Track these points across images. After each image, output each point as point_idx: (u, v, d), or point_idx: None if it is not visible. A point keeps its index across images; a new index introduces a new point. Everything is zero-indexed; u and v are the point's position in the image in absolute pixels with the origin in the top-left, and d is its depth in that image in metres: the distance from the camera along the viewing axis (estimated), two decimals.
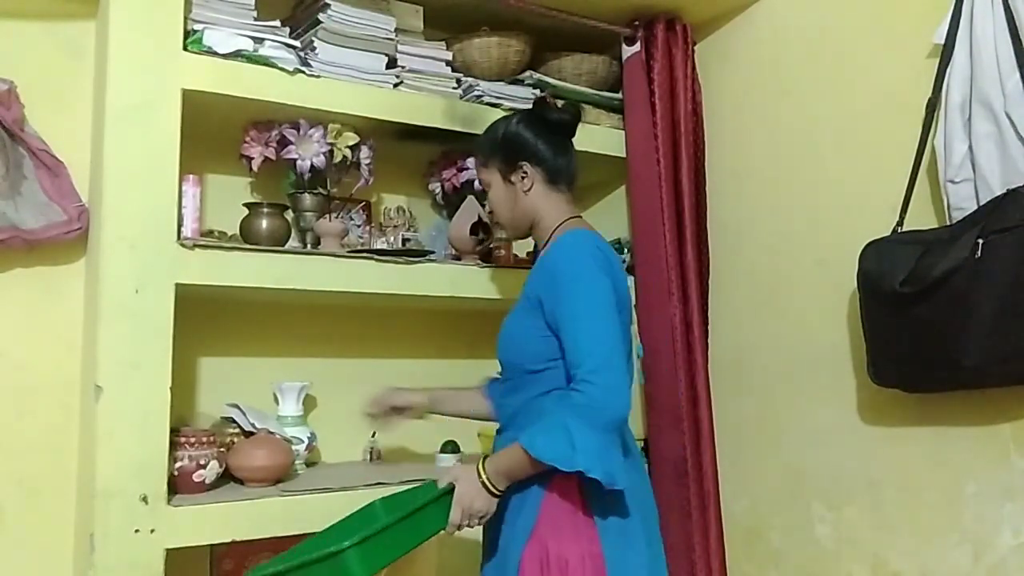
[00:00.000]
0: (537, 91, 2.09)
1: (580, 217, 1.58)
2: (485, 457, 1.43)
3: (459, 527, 1.40)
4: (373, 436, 2.09)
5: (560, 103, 1.64)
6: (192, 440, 1.62)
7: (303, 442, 1.86)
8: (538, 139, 1.56)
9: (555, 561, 1.38)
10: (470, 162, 2.06)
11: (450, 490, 1.39)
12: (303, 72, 1.75)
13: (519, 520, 1.42)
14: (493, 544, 1.50)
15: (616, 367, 1.36)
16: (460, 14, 2.08)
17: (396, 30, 1.89)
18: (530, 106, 1.65)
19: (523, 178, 1.55)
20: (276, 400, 1.94)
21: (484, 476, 1.39)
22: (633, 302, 1.53)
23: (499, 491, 1.39)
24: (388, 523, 1.33)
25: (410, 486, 1.60)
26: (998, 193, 1.42)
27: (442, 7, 2.05)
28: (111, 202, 1.54)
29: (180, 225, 1.62)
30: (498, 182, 1.58)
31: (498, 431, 1.60)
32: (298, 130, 1.81)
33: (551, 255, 1.48)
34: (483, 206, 1.97)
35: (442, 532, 1.40)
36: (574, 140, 1.62)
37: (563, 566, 1.38)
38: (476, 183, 2.02)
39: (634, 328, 1.56)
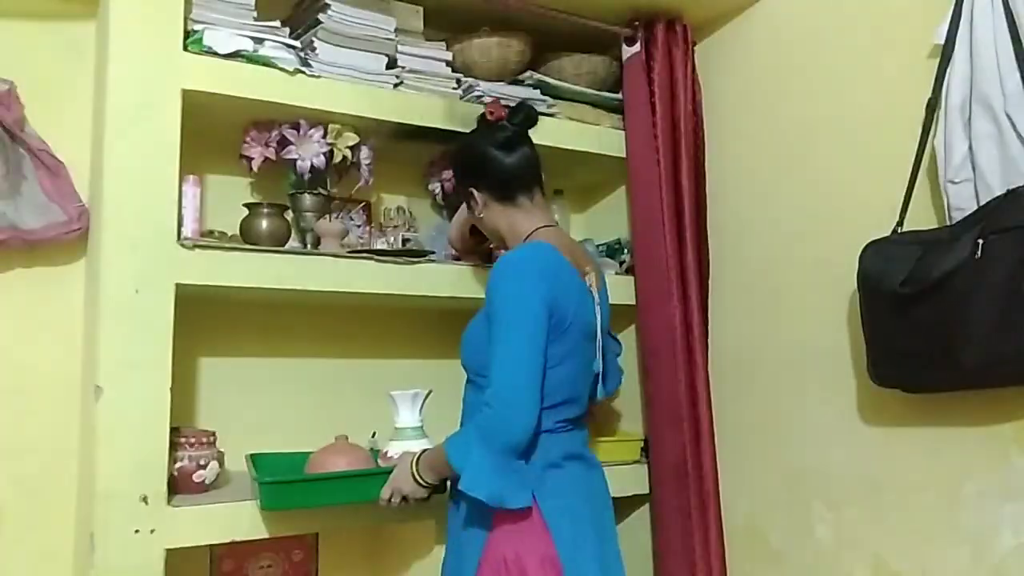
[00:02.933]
0: (538, 91, 2.10)
1: (548, 227, 1.60)
2: (425, 451, 1.54)
3: (388, 502, 1.54)
4: (373, 436, 2.09)
5: (509, 107, 1.64)
6: (192, 440, 1.62)
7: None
8: (481, 160, 1.60)
9: (513, 565, 1.40)
10: None
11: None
12: (303, 72, 1.75)
13: (473, 527, 1.46)
14: (451, 552, 1.55)
15: (518, 393, 1.39)
16: (460, 14, 2.08)
17: (396, 30, 1.89)
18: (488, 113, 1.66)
19: (474, 202, 1.62)
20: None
21: (415, 467, 1.51)
22: (585, 320, 1.54)
23: (425, 482, 1.50)
24: (320, 477, 1.60)
25: None
26: (998, 193, 1.42)
27: (442, 7, 2.05)
28: (111, 202, 1.54)
29: (180, 225, 1.62)
30: (464, 207, 1.68)
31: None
32: (298, 130, 1.81)
33: (493, 269, 1.53)
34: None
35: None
36: (543, 139, 1.68)
37: (522, 569, 1.40)
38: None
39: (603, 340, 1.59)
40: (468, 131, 1.68)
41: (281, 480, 1.57)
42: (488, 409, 1.40)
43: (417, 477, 1.50)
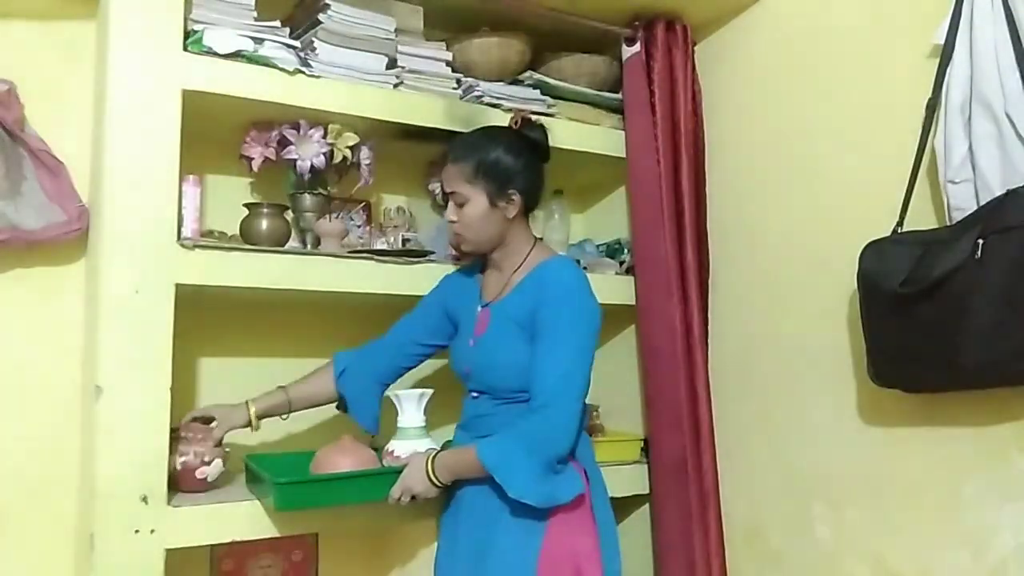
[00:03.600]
0: (538, 91, 2.09)
1: (541, 239, 1.70)
2: (440, 451, 1.56)
3: (398, 500, 1.54)
4: (373, 436, 2.09)
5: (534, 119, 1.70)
6: (200, 436, 1.62)
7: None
8: (526, 167, 1.62)
9: (567, 558, 1.47)
10: None
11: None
12: (303, 72, 1.75)
13: (528, 525, 1.48)
14: (486, 544, 1.52)
15: (572, 405, 1.46)
16: (460, 14, 2.08)
17: (396, 30, 1.89)
18: (514, 121, 1.68)
19: (509, 204, 1.61)
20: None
21: (431, 467, 1.52)
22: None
23: (440, 482, 1.52)
24: (334, 476, 1.59)
25: None
26: (998, 193, 1.42)
27: (442, 7, 2.05)
28: (111, 202, 1.54)
29: (180, 225, 1.62)
30: (482, 202, 1.60)
31: (476, 435, 1.60)
32: (298, 130, 1.81)
33: (544, 282, 1.54)
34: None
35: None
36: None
37: (575, 560, 1.48)
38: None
39: None
40: (499, 133, 1.66)
41: (296, 480, 1.55)
42: (541, 418, 1.44)
43: (432, 478, 1.51)
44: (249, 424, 1.69)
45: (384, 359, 1.81)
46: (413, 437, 1.70)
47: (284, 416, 1.76)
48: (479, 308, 1.66)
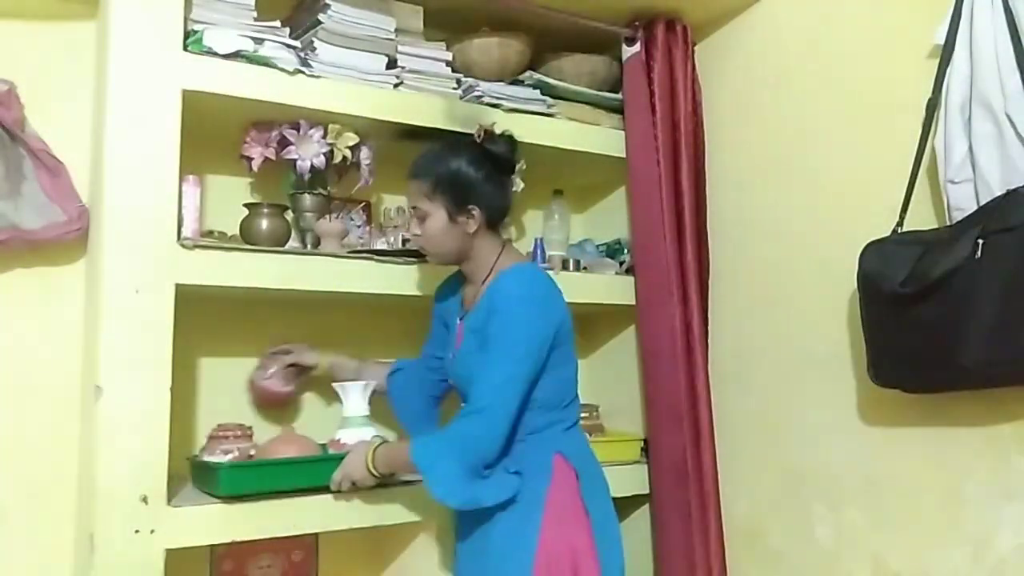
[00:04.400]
0: (537, 91, 2.09)
1: (508, 243, 1.70)
2: (383, 442, 1.62)
3: (338, 485, 1.61)
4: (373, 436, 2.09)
5: (499, 132, 1.68)
6: (238, 433, 1.71)
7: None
8: (487, 181, 1.61)
9: (565, 552, 1.48)
10: None
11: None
12: (303, 72, 1.75)
13: (523, 522, 1.50)
14: (480, 552, 1.56)
15: (502, 412, 1.47)
16: (460, 14, 2.08)
17: (396, 30, 1.89)
18: (478, 134, 1.66)
19: (469, 220, 1.60)
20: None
21: (371, 457, 1.57)
22: (569, 324, 1.63)
23: (378, 473, 1.57)
24: (279, 461, 1.65)
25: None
26: (998, 193, 1.42)
27: (442, 7, 2.05)
28: (111, 202, 1.54)
29: (180, 225, 1.62)
30: (441, 217, 1.60)
31: None
32: (298, 130, 1.81)
33: (496, 292, 1.55)
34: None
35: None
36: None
37: (572, 555, 1.49)
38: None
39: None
40: (459, 147, 1.63)
41: (241, 464, 1.62)
42: (470, 423, 1.47)
43: (371, 467, 1.57)
44: (316, 365, 1.89)
45: (425, 371, 1.89)
46: (357, 425, 1.76)
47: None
48: (458, 320, 1.69)
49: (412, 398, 1.89)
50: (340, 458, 1.64)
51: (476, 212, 1.60)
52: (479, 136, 1.65)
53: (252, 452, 1.69)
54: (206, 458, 1.68)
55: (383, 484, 1.66)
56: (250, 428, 1.79)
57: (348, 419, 1.78)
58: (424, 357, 1.90)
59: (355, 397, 1.79)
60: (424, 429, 1.84)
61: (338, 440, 1.74)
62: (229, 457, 1.66)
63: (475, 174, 1.60)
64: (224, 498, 1.56)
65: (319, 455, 1.72)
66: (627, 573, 1.60)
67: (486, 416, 1.47)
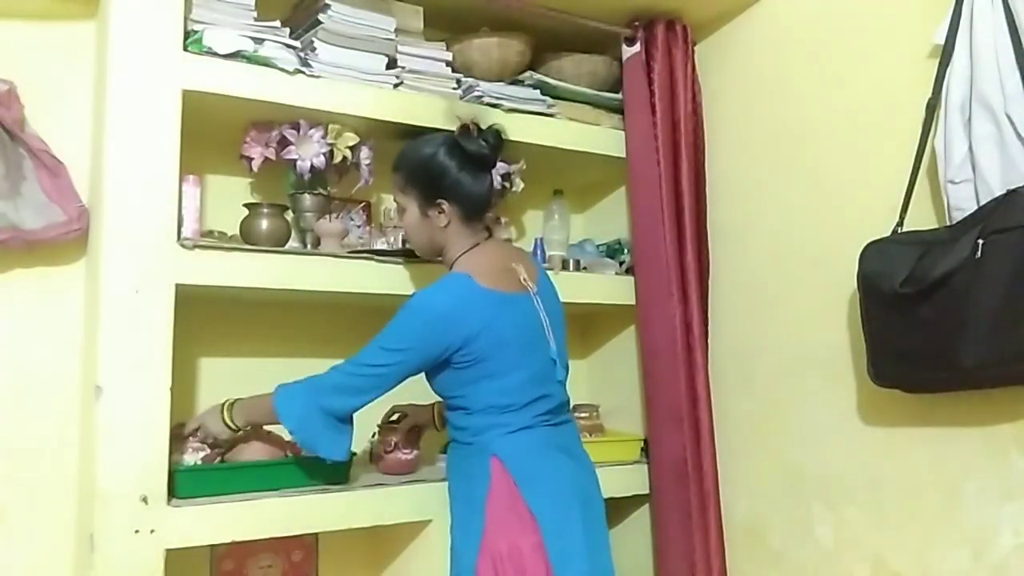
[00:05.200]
0: (538, 91, 2.10)
1: (476, 245, 1.65)
2: (240, 398, 1.64)
3: (190, 433, 1.63)
4: (373, 436, 2.09)
5: (483, 127, 1.66)
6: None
7: None
8: (460, 173, 1.61)
9: (509, 554, 1.50)
10: None
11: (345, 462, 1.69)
12: (303, 72, 1.75)
13: (469, 525, 1.55)
14: (452, 554, 1.62)
15: (351, 369, 1.56)
16: (460, 14, 2.08)
17: (396, 30, 1.89)
18: (460, 129, 1.66)
19: (440, 214, 1.61)
20: None
21: (227, 411, 1.62)
22: (520, 324, 1.63)
23: (235, 425, 1.61)
24: (233, 465, 1.66)
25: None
26: (998, 193, 1.42)
27: (442, 7, 2.05)
28: (111, 202, 1.54)
29: (180, 225, 1.62)
30: (414, 211, 1.65)
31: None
32: (298, 130, 1.81)
33: (413, 296, 1.60)
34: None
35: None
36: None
37: (518, 556, 1.49)
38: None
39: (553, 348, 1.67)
40: (435, 142, 1.65)
41: (197, 468, 1.61)
42: (335, 371, 1.56)
43: (227, 420, 1.61)
44: (434, 423, 1.89)
45: None
46: None
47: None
48: None
49: None
50: (295, 462, 1.70)
51: (446, 206, 1.60)
52: (457, 131, 1.65)
53: (220, 455, 1.67)
54: (184, 458, 1.64)
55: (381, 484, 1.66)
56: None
57: None
58: None
59: None
60: None
61: (295, 443, 1.73)
62: (199, 457, 1.63)
63: (446, 168, 1.60)
64: (185, 499, 1.57)
65: (271, 460, 1.71)
66: (627, 573, 1.60)
67: (339, 369, 1.57)
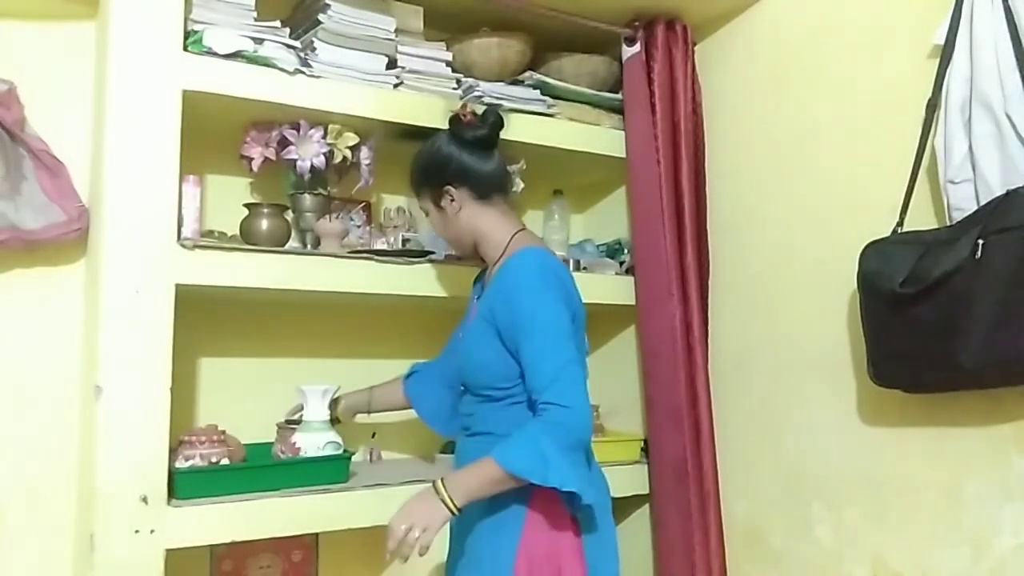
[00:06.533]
0: (537, 91, 2.09)
1: (525, 229, 1.62)
2: (442, 478, 1.41)
3: (403, 540, 1.37)
4: (373, 436, 2.09)
5: (480, 110, 1.63)
6: (202, 439, 1.64)
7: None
8: (461, 156, 1.58)
9: (548, 555, 1.44)
10: None
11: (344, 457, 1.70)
12: (303, 72, 1.75)
13: (504, 525, 1.45)
14: (461, 553, 1.54)
15: (580, 390, 1.41)
16: (460, 14, 2.08)
17: (396, 31, 1.89)
18: (452, 121, 1.64)
19: (451, 201, 1.59)
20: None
21: (445, 492, 1.38)
22: (583, 315, 1.56)
23: (457, 508, 1.38)
24: (232, 467, 1.64)
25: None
26: (998, 194, 1.42)
27: (442, 7, 2.05)
28: (111, 202, 1.54)
29: (180, 225, 1.62)
30: (432, 209, 1.63)
31: (466, 435, 1.60)
32: (298, 130, 1.81)
33: (505, 275, 1.50)
34: None
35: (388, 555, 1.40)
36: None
37: (556, 557, 1.44)
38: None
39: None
40: (430, 139, 1.64)
41: (197, 468, 1.59)
42: (557, 409, 1.37)
43: (451, 506, 1.37)
44: (336, 419, 1.84)
45: (447, 363, 1.81)
46: (317, 430, 1.75)
47: (367, 413, 1.92)
48: (475, 300, 1.67)
49: (436, 392, 1.83)
50: (295, 462, 1.68)
51: (452, 190, 1.57)
52: (449, 121, 1.63)
53: (214, 459, 1.63)
54: (177, 464, 1.62)
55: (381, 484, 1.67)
56: (223, 432, 1.70)
57: (308, 423, 1.77)
58: (449, 346, 1.86)
59: (315, 402, 1.78)
60: (451, 419, 1.77)
61: (293, 443, 1.73)
62: (188, 464, 1.61)
63: (443, 155, 1.58)
64: (185, 499, 1.57)
65: (271, 461, 1.71)
66: (627, 573, 1.60)
67: (566, 397, 1.38)
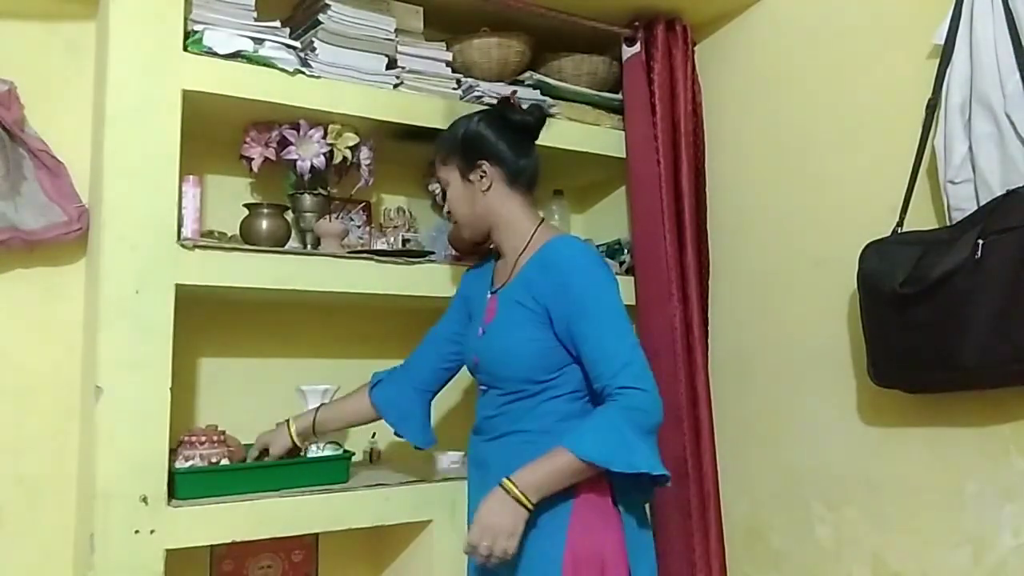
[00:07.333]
0: (538, 92, 2.10)
1: (547, 221, 1.60)
2: (511, 476, 1.35)
3: (483, 551, 1.32)
4: (373, 436, 2.09)
5: (525, 104, 1.61)
6: (203, 439, 1.63)
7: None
8: (499, 139, 1.55)
9: (591, 555, 1.40)
10: None
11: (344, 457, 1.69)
12: (303, 73, 1.75)
13: (549, 526, 1.40)
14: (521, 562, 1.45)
15: (651, 374, 1.39)
16: (460, 15, 2.08)
17: (396, 31, 1.89)
18: (495, 106, 1.65)
19: (481, 177, 1.55)
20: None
21: (516, 490, 1.33)
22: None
23: (533, 504, 1.33)
24: (231, 467, 1.63)
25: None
26: (998, 194, 1.42)
27: (442, 7, 2.05)
28: (111, 202, 1.54)
29: (180, 225, 1.62)
30: (456, 180, 1.58)
31: (486, 438, 1.55)
32: (298, 131, 1.81)
33: (550, 261, 1.47)
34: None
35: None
36: (542, 140, 1.62)
37: (599, 557, 1.40)
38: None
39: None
40: (473, 114, 1.61)
41: (197, 469, 1.58)
42: (635, 393, 1.35)
43: (525, 501, 1.33)
44: (292, 443, 1.70)
45: (422, 364, 1.75)
46: None
47: (314, 440, 1.75)
48: (489, 295, 1.60)
49: (409, 398, 1.74)
50: (295, 462, 1.66)
51: (487, 167, 1.54)
52: (499, 103, 1.62)
53: (214, 459, 1.62)
54: (177, 464, 1.61)
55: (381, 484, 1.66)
56: (223, 432, 1.69)
57: None
58: (426, 346, 1.77)
59: (316, 402, 1.77)
60: (425, 425, 1.75)
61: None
62: (188, 465, 1.60)
63: (485, 131, 1.56)
64: (185, 499, 1.56)
65: (270, 461, 1.69)
66: None
67: (642, 380, 1.36)
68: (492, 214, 1.56)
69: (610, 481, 1.42)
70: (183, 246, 1.59)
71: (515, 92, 1.65)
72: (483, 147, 1.55)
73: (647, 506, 1.53)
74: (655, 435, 1.38)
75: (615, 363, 1.37)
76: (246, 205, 1.82)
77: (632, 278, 2.16)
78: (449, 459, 1.96)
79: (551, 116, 2.08)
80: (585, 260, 1.46)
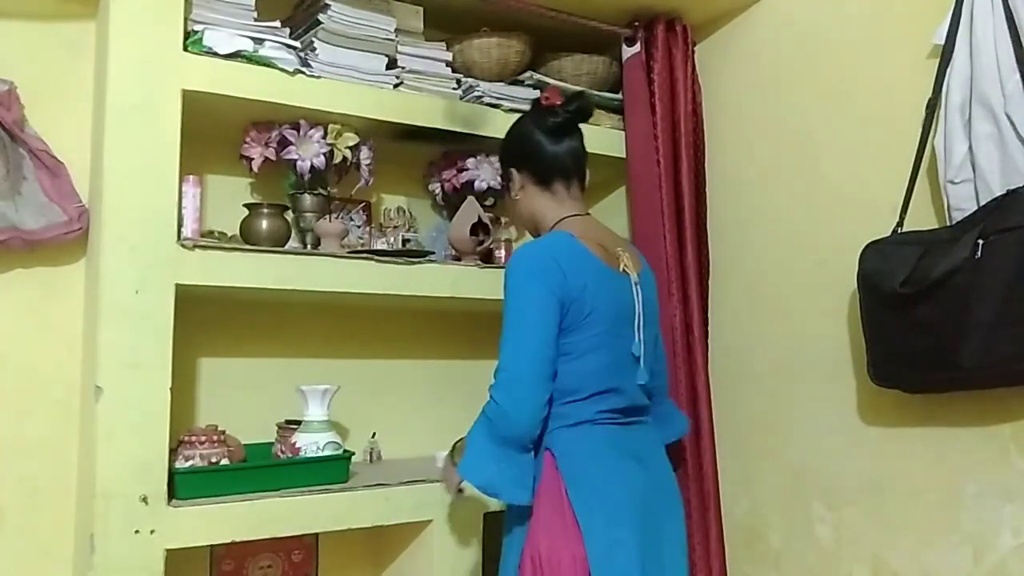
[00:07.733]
0: (538, 92, 2.09)
1: (576, 215, 1.57)
2: (460, 439, 1.57)
3: (457, 493, 1.68)
4: (373, 437, 2.09)
5: (564, 97, 1.61)
6: (203, 439, 1.64)
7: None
8: (526, 143, 1.59)
9: (547, 563, 1.40)
10: (470, 162, 2.07)
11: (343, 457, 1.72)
12: (303, 73, 1.75)
13: (515, 525, 1.48)
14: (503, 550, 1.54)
15: (521, 385, 1.40)
16: (460, 15, 2.08)
17: (396, 31, 1.90)
18: (531, 106, 1.68)
19: (512, 184, 1.61)
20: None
21: (452, 457, 1.61)
22: (618, 305, 1.51)
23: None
24: (231, 467, 1.63)
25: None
26: (998, 194, 1.42)
27: (442, 7, 2.05)
28: (111, 202, 1.54)
29: (180, 225, 1.62)
30: (507, 192, 1.66)
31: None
32: (298, 131, 1.81)
33: (508, 263, 1.52)
34: (484, 207, 2.00)
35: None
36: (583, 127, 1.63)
37: (556, 566, 1.39)
38: (477, 183, 2.05)
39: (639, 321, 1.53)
40: (524, 112, 1.70)
41: (197, 469, 1.59)
42: (492, 403, 1.41)
43: (454, 461, 1.57)
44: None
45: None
46: (317, 431, 1.76)
47: None
48: None
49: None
50: (295, 462, 1.68)
51: (515, 175, 1.61)
52: (532, 106, 1.67)
53: (214, 459, 1.63)
54: (177, 464, 1.61)
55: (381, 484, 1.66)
56: (223, 432, 1.70)
57: (308, 423, 1.76)
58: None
59: (315, 402, 1.77)
60: None
61: (293, 444, 1.73)
62: (188, 464, 1.61)
63: (513, 140, 1.63)
64: (185, 499, 1.57)
65: (269, 462, 1.71)
66: None
67: (501, 389, 1.40)
68: (529, 215, 1.62)
69: (565, 491, 1.41)
70: (183, 246, 1.59)
71: (555, 87, 1.66)
72: (509, 156, 1.64)
73: (629, 507, 1.43)
74: (506, 445, 1.40)
75: (497, 369, 1.42)
76: (246, 205, 1.82)
77: None
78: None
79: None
80: (512, 265, 1.47)
